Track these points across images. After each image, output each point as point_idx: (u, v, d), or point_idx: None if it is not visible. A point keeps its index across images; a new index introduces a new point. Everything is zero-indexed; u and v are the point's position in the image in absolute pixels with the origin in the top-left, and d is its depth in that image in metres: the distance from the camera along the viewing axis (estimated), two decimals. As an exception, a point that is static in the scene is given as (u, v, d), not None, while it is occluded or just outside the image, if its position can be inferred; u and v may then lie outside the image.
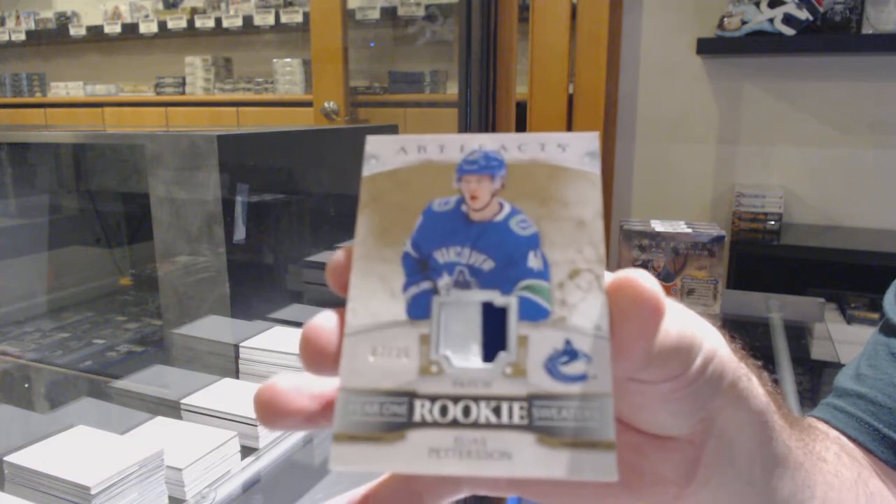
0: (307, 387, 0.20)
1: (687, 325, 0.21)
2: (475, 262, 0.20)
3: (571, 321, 0.19)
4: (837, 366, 1.12)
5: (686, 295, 0.99)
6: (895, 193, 2.08)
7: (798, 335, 1.21)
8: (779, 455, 0.27)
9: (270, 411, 0.20)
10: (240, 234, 1.00)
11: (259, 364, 0.90)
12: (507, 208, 0.20)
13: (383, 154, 0.21)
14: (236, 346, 0.91)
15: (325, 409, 0.20)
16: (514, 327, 0.19)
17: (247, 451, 0.74)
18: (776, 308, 1.25)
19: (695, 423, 0.23)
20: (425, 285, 0.20)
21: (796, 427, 0.30)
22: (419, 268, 0.20)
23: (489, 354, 0.19)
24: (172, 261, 1.02)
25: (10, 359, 1.12)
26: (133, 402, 0.86)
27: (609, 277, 0.19)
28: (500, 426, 0.18)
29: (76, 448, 0.65)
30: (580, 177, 0.21)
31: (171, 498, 0.66)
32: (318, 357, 0.19)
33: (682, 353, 0.21)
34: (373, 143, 0.22)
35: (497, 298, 0.19)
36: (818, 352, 1.21)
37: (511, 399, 0.18)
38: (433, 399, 0.18)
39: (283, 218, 1.14)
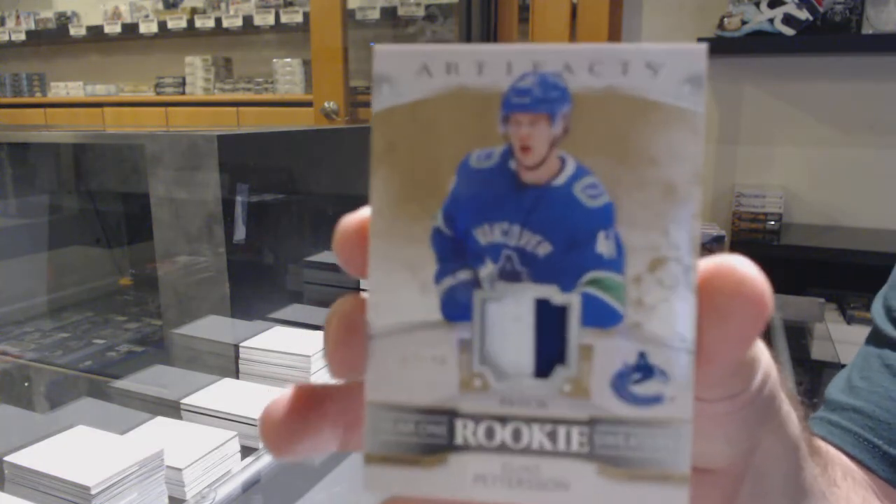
0: (319, 404, 0.18)
1: None
2: (527, 245, 0.15)
3: (648, 328, 0.15)
4: (837, 366, 1.12)
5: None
6: (895, 193, 2.08)
7: (798, 335, 1.21)
8: (806, 486, 0.25)
9: (280, 440, 0.17)
10: (240, 234, 1.00)
11: (259, 364, 0.90)
12: (570, 166, 0.15)
13: (400, 76, 0.16)
14: (236, 346, 0.91)
15: (346, 433, 0.18)
16: (576, 334, 0.15)
17: (247, 451, 0.74)
18: (776, 308, 1.25)
19: (740, 452, 0.20)
20: (463, 275, 0.16)
21: (817, 452, 0.28)
22: (454, 250, 0.16)
23: (544, 368, 0.16)
24: (172, 261, 1.02)
25: (10, 359, 1.12)
26: (133, 402, 0.86)
27: (699, 267, 0.15)
28: (555, 454, 0.15)
29: (76, 448, 0.65)
30: (676, 117, 0.15)
31: (171, 498, 0.66)
32: (346, 362, 0.17)
33: (746, 366, 0.18)
34: (385, 59, 0.16)
35: (555, 295, 0.15)
36: (818, 352, 1.21)
37: (570, 423, 0.15)
38: (477, 419, 0.16)
39: (283, 218, 1.14)
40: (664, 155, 0.15)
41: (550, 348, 0.16)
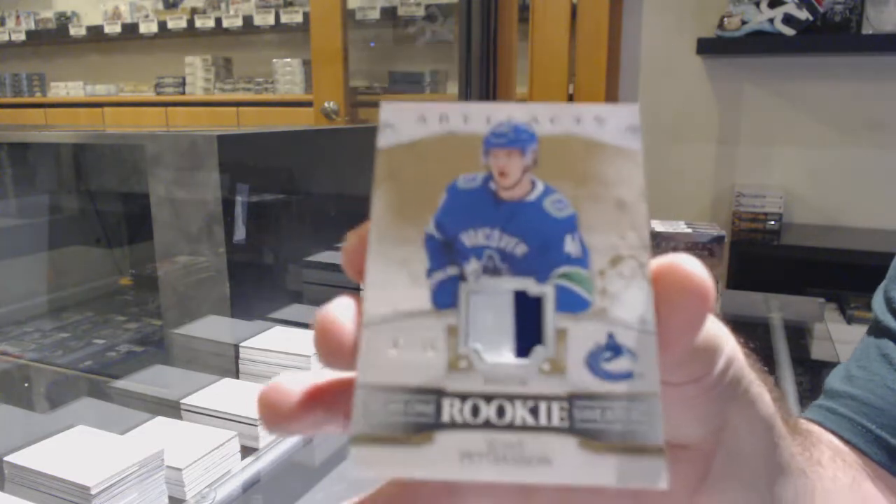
0: (316, 387, 0.19)
1: (709, 322, 0.20)
2: (506, 246, 0.18)
3: (613, 313, 0.17)
4: (837, 366, 1.12)
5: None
6: (895, 193, 2.08)
7: (798, 335, 1.21)
8: (783, 463, 0.27)
9: (277, 415, 0.18)
10: (240, 234, 1.00)
11: (259, 364, 0.90)
12: (540, 187, 0.19)
13: (401, 124, 0.19)
14: (236, 346, 0.91)
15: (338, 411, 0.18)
16: (552, 319, 0.17)
17: (247, 451, 0.74)
18: (776, 308, 1.25)
19: (710, 430, 0.23)
20: (451, 271, 0.18)
21: (797, 432, 0.29)
22: (444, 251, 0.18)
23: (524, 349, 0.17)
24: (172, 261, 1.02)
25: (10, 359, 1.12)
26: (133, 402, 0.86)
27: (652, 264, 0.18)
28: (537, 428, 0.17)
29: (76, 448, 0.65)
30: (620, 154, 0.19)
31: (171, 498, 0.66)
32: (336, 349, 0.17)
33: (708, 352, 0.20)
34: (389, 112, 0.19)
35: (531, 287, 0.18)
36: (818, 352, 1.21)
37: (550, 398, 0.17)
38: (463, 398, 0.17)
39: (283, 218, 1.14)
40: (614, 179, 0.19)
41: (529, 332, 0.18)
